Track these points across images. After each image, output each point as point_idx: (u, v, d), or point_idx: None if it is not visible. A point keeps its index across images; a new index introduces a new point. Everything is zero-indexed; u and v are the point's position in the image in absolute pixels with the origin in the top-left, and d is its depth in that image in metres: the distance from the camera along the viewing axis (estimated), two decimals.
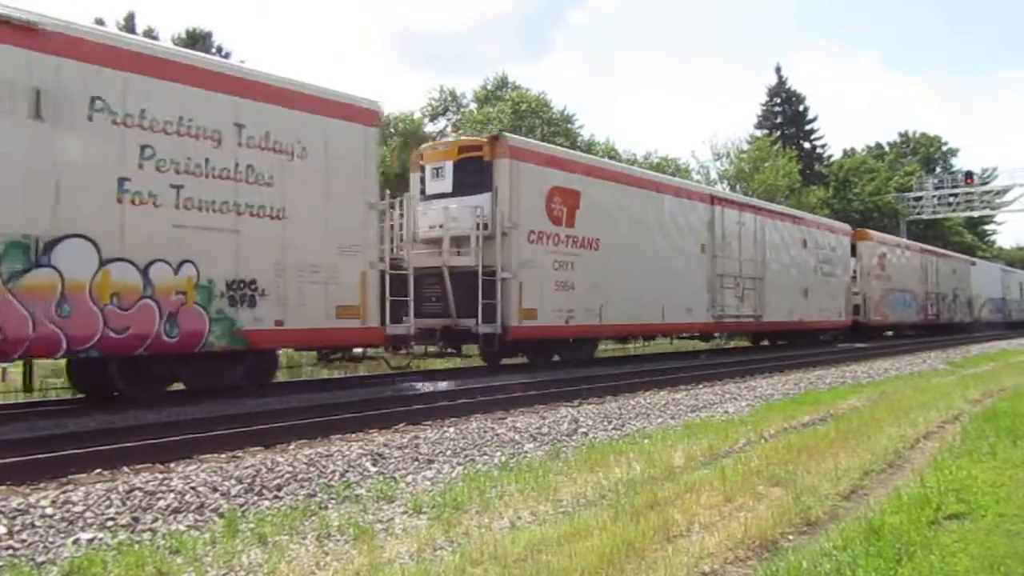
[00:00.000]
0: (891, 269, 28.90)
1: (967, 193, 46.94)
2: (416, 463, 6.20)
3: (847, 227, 27.72)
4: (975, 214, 51.41)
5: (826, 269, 24.14)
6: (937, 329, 34.75)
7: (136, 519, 4.54)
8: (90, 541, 4.17)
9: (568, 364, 14.77)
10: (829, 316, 24.47)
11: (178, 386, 11.40)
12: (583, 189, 14.69)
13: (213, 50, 37.85)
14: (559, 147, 19.13)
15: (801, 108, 56.31)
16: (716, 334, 22.64)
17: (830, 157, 57.19)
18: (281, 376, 14.03)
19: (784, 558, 3.64)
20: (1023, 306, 50.51)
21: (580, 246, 14.57)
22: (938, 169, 60.83)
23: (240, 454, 6.32)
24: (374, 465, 6.02)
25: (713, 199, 19.24)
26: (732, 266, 19.27)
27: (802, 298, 22.53)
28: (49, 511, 4.52)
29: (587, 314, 14.57)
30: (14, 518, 4.37)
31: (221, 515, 4.67)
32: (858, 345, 24.00)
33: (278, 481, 5.42)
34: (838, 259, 25.04)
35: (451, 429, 7.56)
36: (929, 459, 6.05)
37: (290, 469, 5.68)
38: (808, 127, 56.47)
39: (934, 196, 48.41)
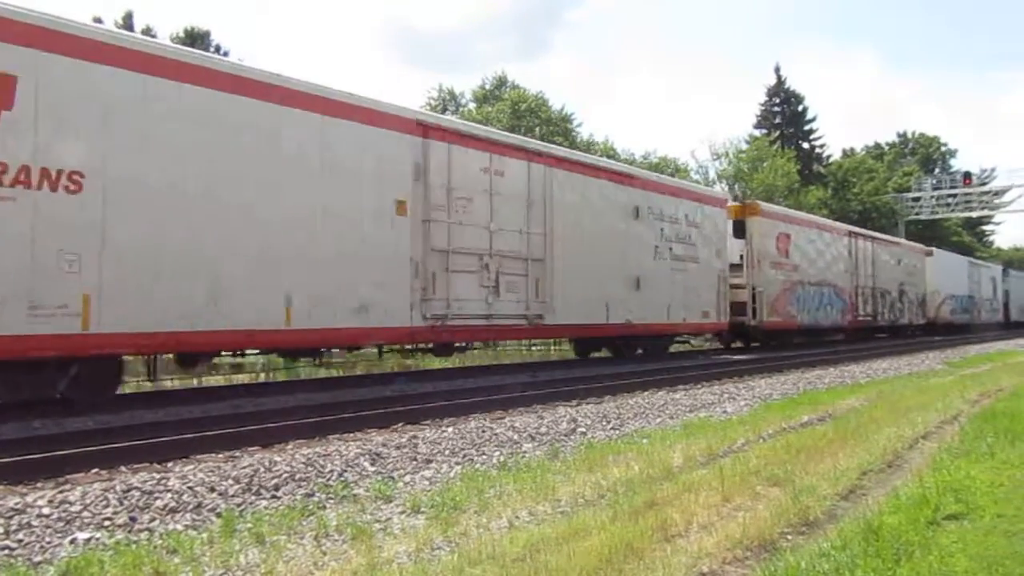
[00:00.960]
0: (799, 256, 22.57)
1: (965, 194, 47.04)
2: (414, 463, 6.20)
3: (722, 195, 21.33)
4: (973, 214, 51.52)
5: (680, 251, 17.43)
6: (875, 334, 29.77)
7: (133, 519, 4.53)
8: (87, 541, 4.15)
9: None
10: (687, 316, 17.56)
11: (167, 384, 11.40)
12: None
13: (211, 49, 37.79)
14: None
15: (800, 108, 56.46)
16: (425, 343, 12.53)
17: (829, 157, 57.32)
18: (279, 376, 14.04)
19: (782, 558, 3.64)
20: (996, 305, 44.24)
21: None
22: (937, 170, 60.93)
23: (238, 454, 6.31)
24: (372, 465, 6.02)
25: (425, 128, 11.64)
26: (472, 237, 12.33)
27: (631, 290, 15.78)
28: (46, 511, 4.50)
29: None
30: (10, 518, 4.35)
31: (219, 515, 4.66)
32: (738, 358, 18.29)
33: (276, 481, 5.41)
34: (706, 239, 18.41)
35: (449, 429, 7.55)
36: (928, 459, 6.05)
37: (288, 469, 5.67)
38: (807, 127, 56.61)
39: (932, 196, 48.50)
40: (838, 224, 29.17)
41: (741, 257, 20.50)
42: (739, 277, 20.26)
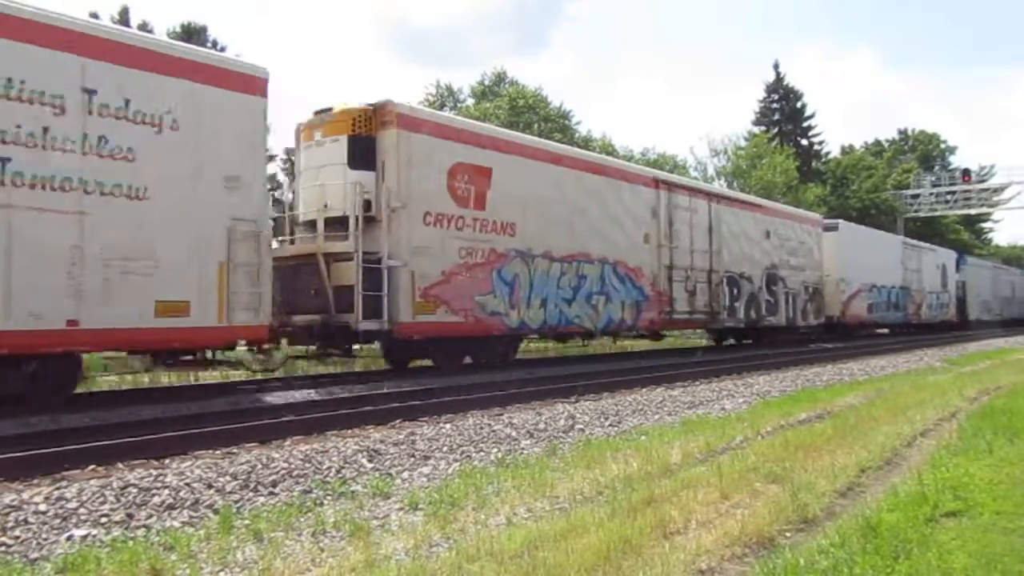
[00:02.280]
0: (513, 208, 13.49)
1: (964, 191, 47.00)
2: (412, 459, 6.19)
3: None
4: (972, 212, 51.47)
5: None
6: (721, 341, 23.28)
7: (130, 515, 4.52)
8: (84, 538, 4.14)
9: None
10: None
11: (164, 380, 11.40)
12: None
13: (208, 44, 37.71)
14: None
15: (799, 105, 56.40)
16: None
17: (828, 154, 57.29)
18: (277, 372, 14.01)
19: (781, 555, 3.63)
20: (945, 300, 35.43)
21: None
22: (936, 167, 60.93)
23: (235, 450, 6.30)
24: (370, 461, 6.01)
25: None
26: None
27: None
28: (43, 507, 4.49)
29: None
30: (7, 514, 4.34)
31: (216, 511, 4.65)
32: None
33: (273, 477, 5.40)
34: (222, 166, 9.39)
35: (447, 425, 7.55)
36: (926, 457, 6.05)
37: (286, 465, 5.66)
38: (806, 124, 56.56)
39: (931, 194, 48.47)
40: (628, 165, 19.03)
41: (368, 205, 11.47)
42: (342, 240, 11.37)
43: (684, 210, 17.91)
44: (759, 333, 22.26)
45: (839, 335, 25.58)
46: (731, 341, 23.54)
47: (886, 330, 31.73)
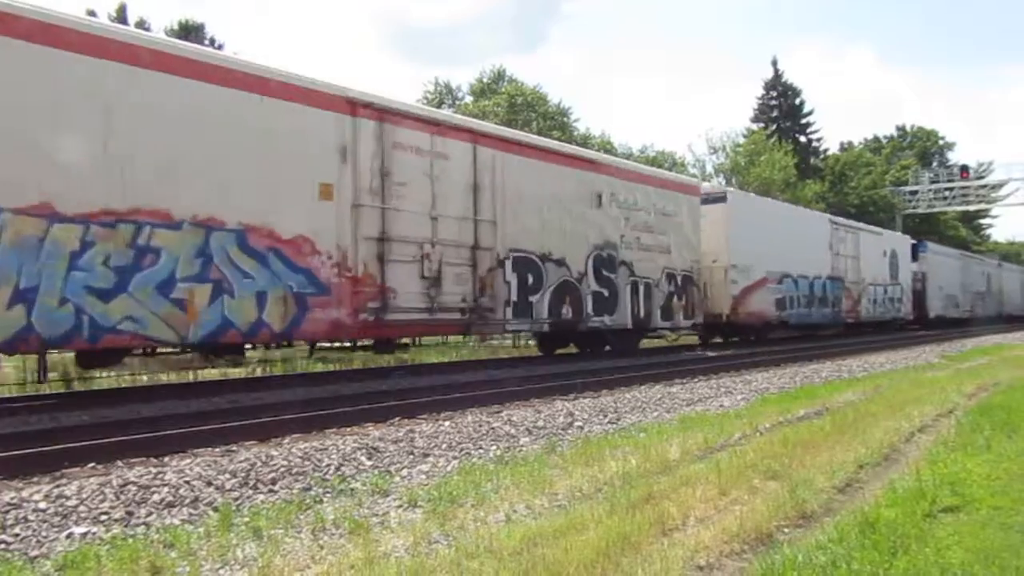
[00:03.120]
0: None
1: (963, 187, 47.05)
2: (411, 457, 6.19)
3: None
4: (971, 208, 51.55)
5: None
6: (484, 337, 18.23)
7: (130, 513, 4.52)
8: (84, 535, 4.15)
9: None
10: None
11: (163, 379, 11.38)
12: None
13: (206, 42, 37.66)
14: None
15: (797, 102, 56.41)
16: None
17: (826, 151, 57.30)
18: (276, 370, 14.03)
19: (779, 551, 3.64)
20: (895, 295, 29.32)
21: None
22: (935, 163, 60.98)
23: (234, 448, 6.31)
24: (369, 459, 6.01)
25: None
26: None
27: None
28: (42, 505, 4.50)
29: None
30: (7, 512, 4.35)
31: (215, 509, 4.66)
32: None
33: (273, 475, 5.41)
34: None
35: (446, 423, 7.55)
36: (924, 453, 6.07)
37: (285, 463, 5.67)
38: (804, 121, 56.57)
39: (930, 190, 48.52)
40: (275, 70, 9.95)
41: None
42: None
43: (418, 153, 11.39)
44: (586, 338, 16.33)
45: (728, 336, 21.28)
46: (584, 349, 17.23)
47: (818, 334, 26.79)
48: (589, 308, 14.75)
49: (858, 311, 26.68)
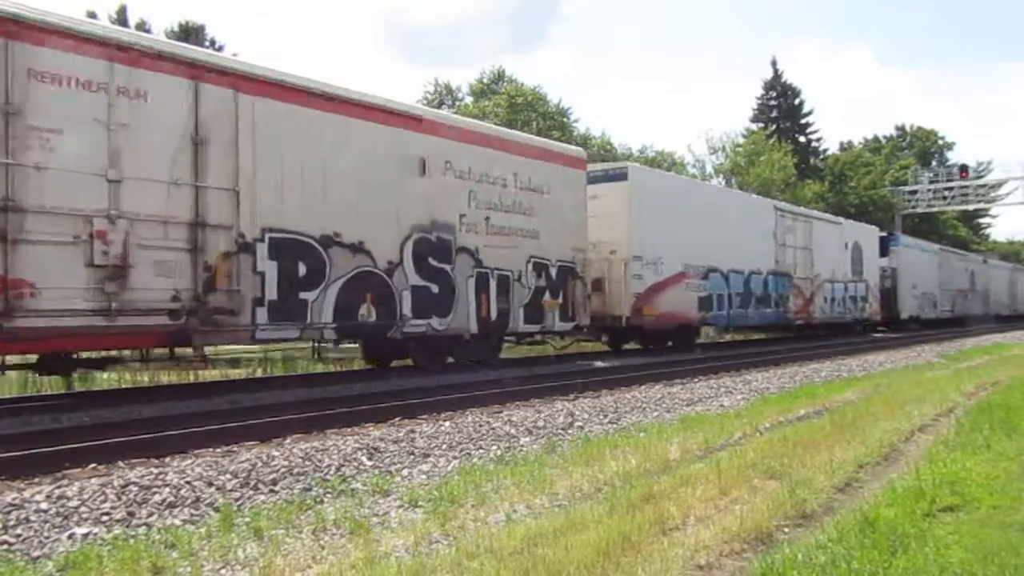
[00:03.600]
0: None
1: (962, 187, 46.99)
2: (412, 457, 6.20)
3: None
4: (970, 208, 51.52)
5: None
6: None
7: (131, 514, 4.54)
8: (85, 536, 4.16)
9: None
10: None
11: (164, 379, 11.37)
12: None
13: (206, 43, 37.67)
14: None
15: (797, 102, 56.34)
16: None
17: (826, 151, 57.29)
18: (276, 370, 14.04)
19: (779, 550, 3.65)
20: (857, 294, 26.40)
21: None
22: (934, 163, 60.99)
23: (235, 448, 6.32)
24: (370, 459, 6.02)
25: None
26: None
27: None
28: (44, 506, 4.51)
29: None
30: (8, 513, 4.36)
31: (216, 509, 4.67)
32: None
33: (273, 475, 5.42)
34: None
35: (447, 423, 7.56)
36: (924, 452, 6.08)
37: (286, 463, 5.68)
38: (803, 121, 56.51)
39: (929, 190, 48.49)
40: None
41: None
42: None
43: (85, 88, 7.99)
44: (417, 346, 12.21)
45: (667, 346, 17.62)
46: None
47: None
48: (406, 308, 11.20)
49: (810, 311, 23.17)
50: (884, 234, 30.34)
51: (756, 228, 20.54)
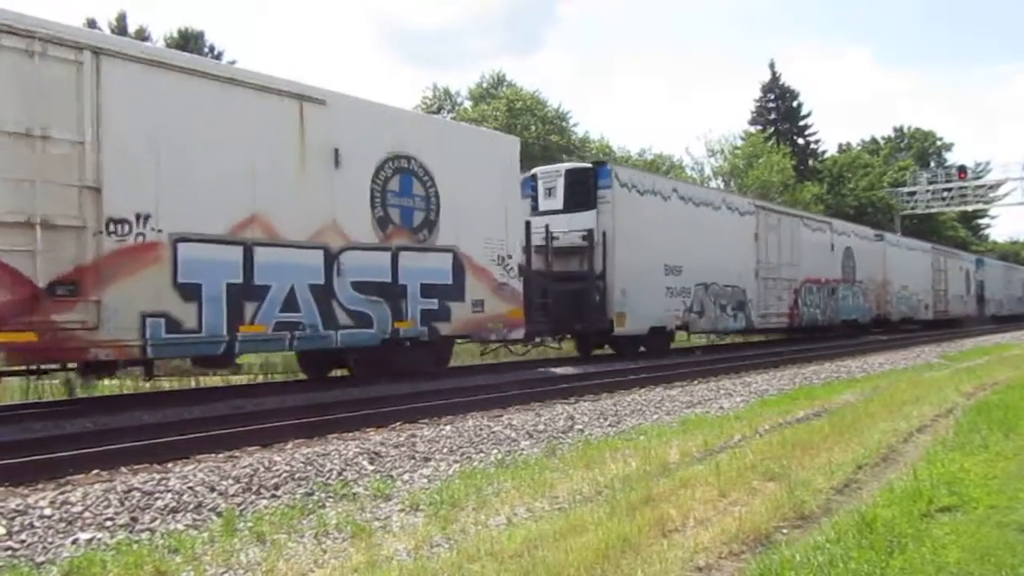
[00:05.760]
0: None
1: (961, 188, 47.06)
2: (413, 461, 6.23)
3: None
4: (969, 208, 51.57)
5: None
6: None
7: (134, 519, 4.56)
8: (89, 541, 4.19)
9: None
10: None
11: (166, 385, 11.40)
12: None
13: (205, 50, 37.76)
14: None
15: (795, 104, 56.46)
16: None
17: (824, 153, 57.37)
18: (278, 376, 14.07)
19: (778, 551, 3.68)
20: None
21: None
22: (932, 164, 61.04)
23: (237, 454, 6.34)
24: (371, 463, 6.05)
25: None
26: None
27: None
28: (48, 512, 4.54)
29: None
30: (13, 519, 4.39)
31: (219, 514, 4.70)
32: None
33: (276, 480, 5.44)
34: None
35: (447, 427, 7.59)
36: (922, 452, 6.10)
37: (287, 468, 5.70)
38: (802, 123, 56.62)
39: (927, 191, 48.53)
40: None
41: None
42: None
43: None
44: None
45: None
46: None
47: None
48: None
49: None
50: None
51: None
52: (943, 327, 31.95)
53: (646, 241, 16.32)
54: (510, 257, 12.84)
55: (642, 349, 17.00)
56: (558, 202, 16.05)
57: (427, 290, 11.35)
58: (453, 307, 11.73)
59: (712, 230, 18.76)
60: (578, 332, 16.20)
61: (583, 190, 15.77)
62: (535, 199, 16.34)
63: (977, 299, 39.72)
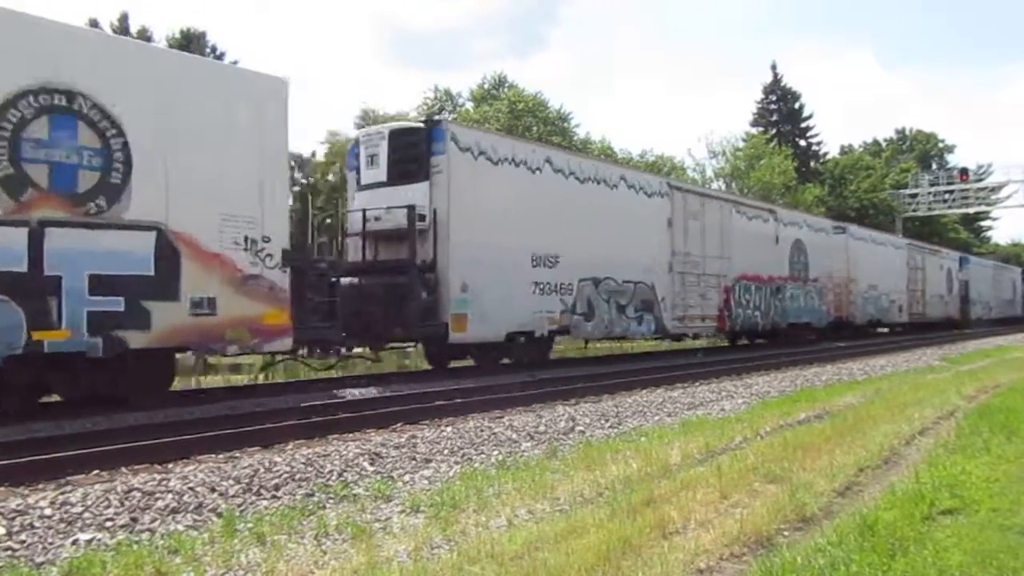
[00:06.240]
0: None
1: (962, 190, 47.04)
2: (413, 462, 6.22)
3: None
4: (970, 210, 51.51)
5: None
6: None
7: (135, 519, 4.56)
8: (89, 542, 4.18)
9: None
10: None
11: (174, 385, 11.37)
12: None
13: (207, 51, 37.82)
14: None
15: (797, 105, 56.53)
16: None
17: (826, 154, 57.39)
18: (278, 376, 14.06)
19: (779, 554, 3.67)
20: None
21: None
22: (934, 166, 61.02)
23: (238, 454, 6.34)
24: (372, 465, 6.04)
25: None
26: None
27: None
28: (48, 512, 4.53)
29: None
30: (13, 519, 4.38)
31: (219, 515, 4.69)
32: None
33: (276, 481, 5.44)
34: None
35: (448, 428, 7.58)
36: (924, 455, 6.09)
37: (288, 469, 5.70)
38: (803, 124, 56.68)
39: (929, 193, 48.51)
40: None
41: None
42: None
43: None
44: None
45: None
46: None
47: None
48: None
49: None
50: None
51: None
52: (921, 331, 29.58)
53: (501, 223, 12.84)
54: (267, 240, 9.40)
55: (505, 361, 13.61)
56: (381, 173, 12.59)
57: (103, 284, 7.98)
58: (155, 309, 8.39)
59: (606, 213, 15.05)
60: (399, 340, 12.76)
61: (413, 157, 12.42)
62: (359, 171, 13.12)
63: (961, 300, 37.00)
